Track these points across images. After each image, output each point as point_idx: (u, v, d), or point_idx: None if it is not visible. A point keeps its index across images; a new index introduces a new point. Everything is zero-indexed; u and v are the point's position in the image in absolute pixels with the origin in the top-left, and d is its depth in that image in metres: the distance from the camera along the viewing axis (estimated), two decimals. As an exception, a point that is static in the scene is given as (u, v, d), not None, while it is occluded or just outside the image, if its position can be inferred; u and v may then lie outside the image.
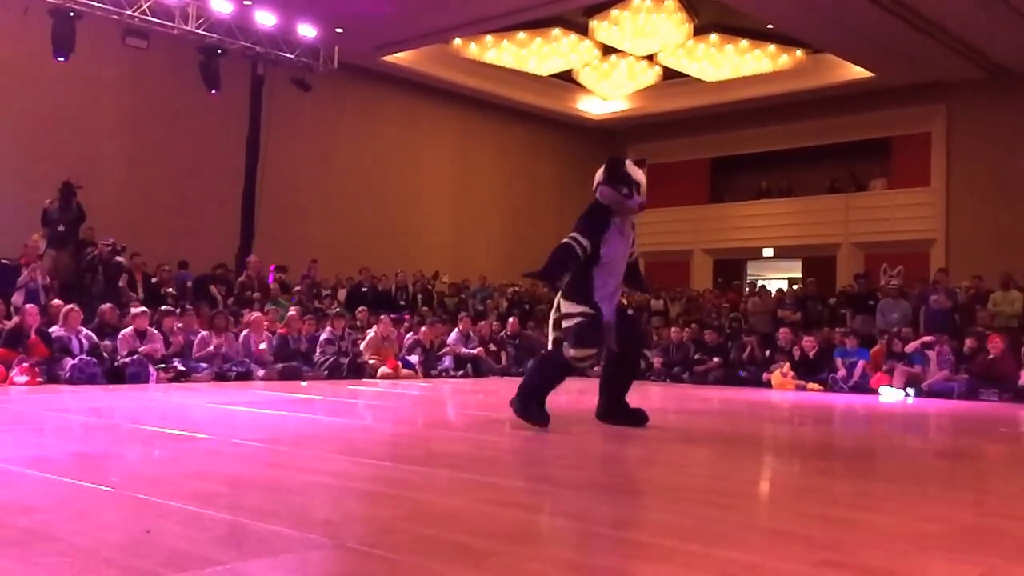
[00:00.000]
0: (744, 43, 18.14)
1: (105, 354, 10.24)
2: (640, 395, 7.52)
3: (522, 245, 21.07)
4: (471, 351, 14.18)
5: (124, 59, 15.15)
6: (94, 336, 10.33)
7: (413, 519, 3.12)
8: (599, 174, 6.42)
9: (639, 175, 6.37)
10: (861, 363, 13.03)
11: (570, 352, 6.18)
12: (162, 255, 14.05)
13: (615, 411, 6.53)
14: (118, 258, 12.58)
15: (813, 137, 19.97)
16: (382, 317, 13.38)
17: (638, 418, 6.50)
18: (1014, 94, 17.32)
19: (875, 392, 12.38)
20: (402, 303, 16.06)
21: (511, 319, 15.74)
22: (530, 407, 6.15)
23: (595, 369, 6.87)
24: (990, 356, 12.06)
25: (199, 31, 14.27)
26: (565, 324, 6.24)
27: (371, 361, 12.50)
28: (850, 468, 4.98)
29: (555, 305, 6.47)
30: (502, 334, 15.31)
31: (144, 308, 11.26)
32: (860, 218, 19.44)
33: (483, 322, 15.48)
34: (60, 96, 14.71)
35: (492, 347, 14.74)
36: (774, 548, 2.86)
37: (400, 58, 18.17)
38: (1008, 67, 16.83)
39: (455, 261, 19.19)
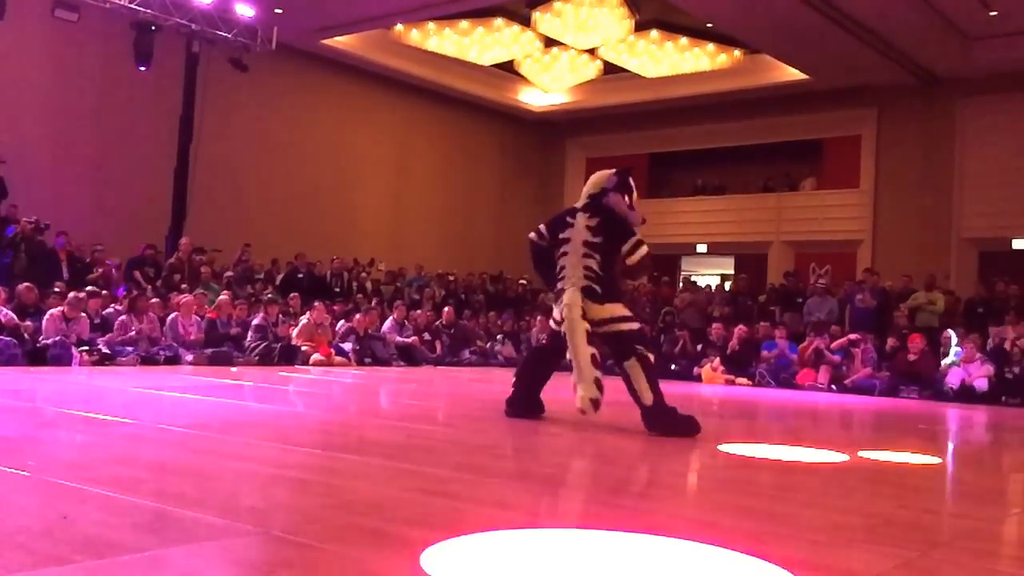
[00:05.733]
0: (684, 41, 18.32)
1: (26, 335, 9.94)
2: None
3: (459, 234, 21.05)
4: (406, 340, 14.14)
5: (53, 32, 14.65)
6: (14, 316, 10.02)
7: (340, 507, 3.09)
8: (604, 181, 6.12)
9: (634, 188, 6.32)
10: (789, 356, 13.38)
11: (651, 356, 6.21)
12: (89, 234, 13.67)
13: (524, 403, 6.38)
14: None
15: (748, 136, 20.27)
16: (316, 304, 13.25)
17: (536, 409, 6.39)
18: (942, 100, 17.82)
19: (801, 387, 12.69)
20: (337, 290, 15.91)
21: (446, 308, 15.73)
22: (670, 417, 5.96)
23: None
24: (911, 355, 12.45)
25: (132, 6, 13.89)
26: (625, 327, 6.11)
27: (304, 348, 12.37)
28: (773, 461, 5.08)
29: (572, 308, 5.86)
30: (437, 323, 15.28)
31: (74, 293, 10.93)
32: (791, 217, 19.81)
33: (419, 311, 15.44)
34: (-16, 68, 14.21)
35: (427, 336, 14.72)
36: (699, 539, 2.90)
37: (340, 42, 17.94)
38: (937, 73, 17.30)
39: (392, 249, 19.05)
